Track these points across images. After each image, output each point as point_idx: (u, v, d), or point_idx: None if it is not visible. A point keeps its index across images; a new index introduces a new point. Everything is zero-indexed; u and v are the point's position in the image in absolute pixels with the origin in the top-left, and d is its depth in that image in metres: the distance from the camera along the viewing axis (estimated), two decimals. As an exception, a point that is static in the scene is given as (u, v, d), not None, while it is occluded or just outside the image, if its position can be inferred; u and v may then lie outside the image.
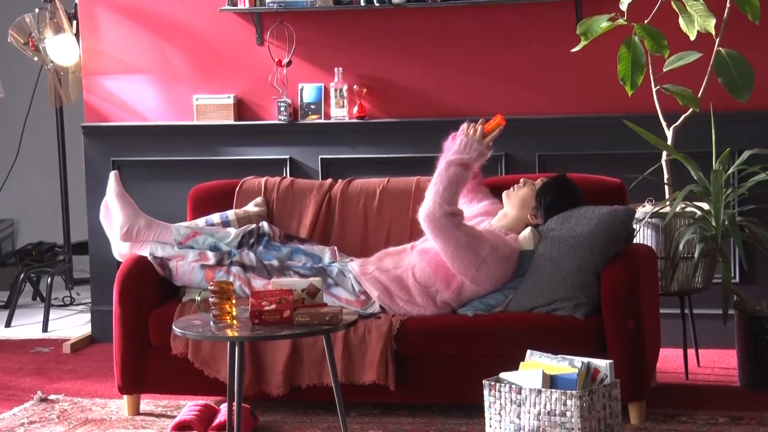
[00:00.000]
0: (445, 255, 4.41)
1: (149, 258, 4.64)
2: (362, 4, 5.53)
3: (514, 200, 4.62)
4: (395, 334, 4.36)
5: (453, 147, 4.50)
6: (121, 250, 4.75)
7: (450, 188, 4.39)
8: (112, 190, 4.73)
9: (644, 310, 4.31)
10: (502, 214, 4.65)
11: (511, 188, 4.66)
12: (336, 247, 4.76)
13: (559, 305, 4.35)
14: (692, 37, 4.80)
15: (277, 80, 5.70)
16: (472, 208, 4.73)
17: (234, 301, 3.97)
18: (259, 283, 4.52)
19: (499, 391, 3.80)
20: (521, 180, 4.67)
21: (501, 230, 4.56)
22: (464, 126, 4.55)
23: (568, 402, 3.68)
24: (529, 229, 4.54)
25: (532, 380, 3.76)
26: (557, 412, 3.70)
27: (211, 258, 4.62)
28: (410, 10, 5.58)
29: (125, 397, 4.63)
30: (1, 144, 7.70)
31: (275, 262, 4.62)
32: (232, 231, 4.74)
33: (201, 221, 4.85)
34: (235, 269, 4.58)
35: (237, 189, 5.04)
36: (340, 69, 5.63)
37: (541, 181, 4.64)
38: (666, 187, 5.00)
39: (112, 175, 4.76)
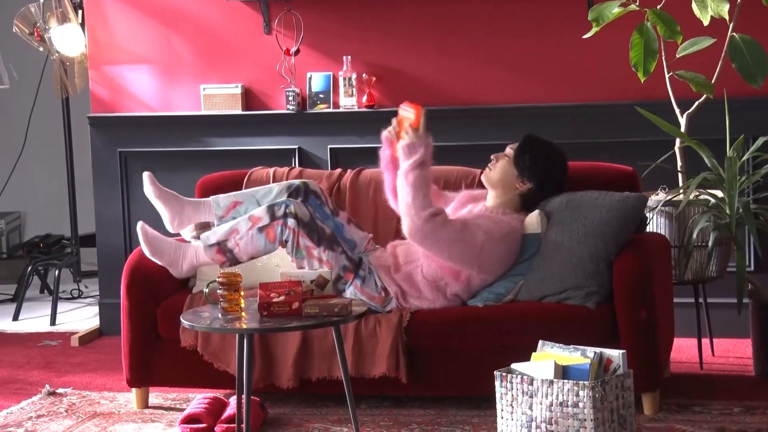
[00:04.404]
0: (444, 258, 4.35)
1: (204, 251, 4.36)
2: (371, -9, 5.51)
3: (496, 176, 4.54)
4: (405, 327, 4.32)
5: (401, 159, 4.37)
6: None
7: (418, 193, 4.30)
8: (151, 192, 4.47)
9: (657, 299, 4.27)
10: (492, 196, 4.57)
11: (486, 169, 4.58)
12: (371, 235, 4.67)
13: (570, 294, 4.31)
14: (705, 23, 4.76)
15: (285, 69, 5.66)
16: (454, 210, 4.63)
17: (242, 293, 3.94)
18: (306, 244, 4.35)
19: (511, 382, 3.76)
20: (491, 157, 4.58)
21: (497, 211, 4.48)
22: (387, 135, 4.46)
23: (581, 393, 3.65)
24: (537, 212, 4.49)
25: (544, 371, 3.73)
26: (569, 403, 3.67)
27: (264, 216, 4.35)
28: (419, -2, 5.55)
29: (134, 390, 4.61)
30: (7, 135, 7.69)
31: (328, 230, 4.41)
32: (274, 187, 4.50)
33: (210, 212, 4.80)
34: (290, 222, 4.33)
35: (245, 179, 5.00)
36: (349, 57, 5.59)
37: (510, 149, 4.57)
38: (679, 174, 4.96)
39: (147, 178, 4.48)
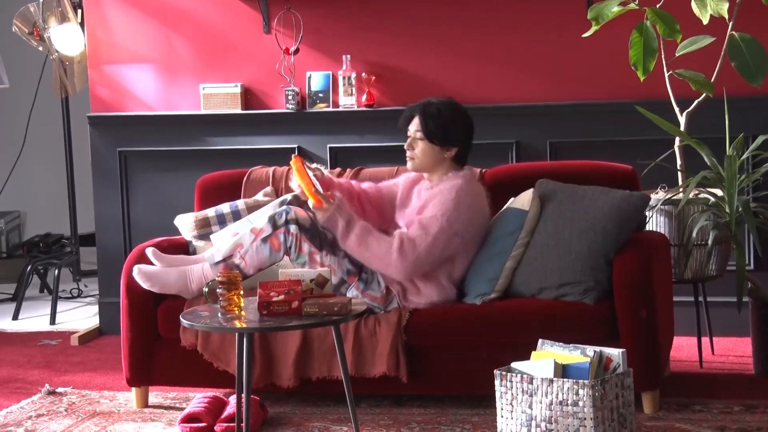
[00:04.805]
0: (441, 260, 4.38)
1: (211, 269, 4.36)
2: (370, -10, 5.50)
3: (422, 162, 4.49)
4: (404, 326, 4.32)
5: (336, 232, 4.34)
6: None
7: (371, 244, 4.30)
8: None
9: (657, 297, 4.27)
10: (428, 176, 4.54)
11: (408, 157, 4.50)
12: None
13: (568, 290, 4.31)
14: (705, 21, 4.75)
15: (284, 68, 5.66)
16: (402, 198, 4.61)
17: (242, 292, 3.93)
18: (309, 249, 4.35)
19: (511, 381, 3.76)
20: (405, 147, 4.50)
21: (439, 182, 4.46)
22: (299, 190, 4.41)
23: (581, 391, 3.64)
24: (531, 191, 4.49)
25: (543, 370, 3.73)
26: (569, 402, 3.66)
27: (266, 227, 4.36)
28: (418, -3, 5.55)
29: (133, 389, 4.61)
30: (6, 135, 7.69)
31: (329, 234, 4.39)
32: (268, 209, 4.48)
33: (210, 212, 4.80)
34: (293, 228, 4.33)
35: (245, 179, 5.01)
36: (348, 57, 5.58)
37: (417, 132, 4.47)
38: (679, 173, 4.96)
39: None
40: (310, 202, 4.33)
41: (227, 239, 4.42)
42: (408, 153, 4.51)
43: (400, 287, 4.41)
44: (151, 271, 4.42)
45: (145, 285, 4.42)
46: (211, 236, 4.59)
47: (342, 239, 4.33)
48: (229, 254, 4.35)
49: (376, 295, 4.39)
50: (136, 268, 4.43)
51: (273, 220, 4.34)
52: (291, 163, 4.36)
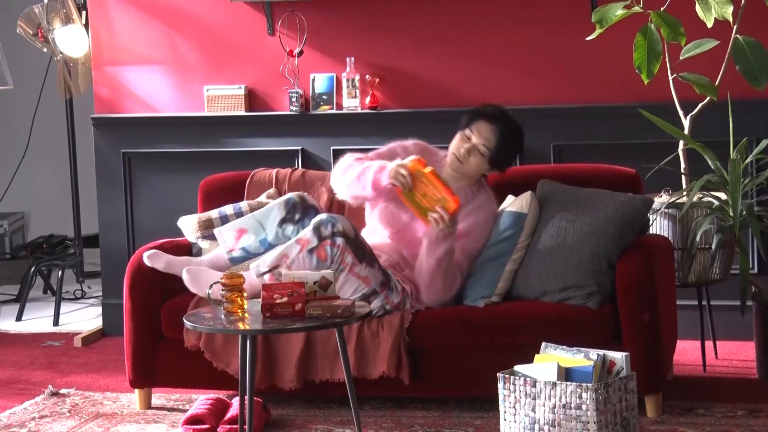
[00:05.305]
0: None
1: (257, 279, 4.24)
2: (374, -8, 5.51)
3: (469, 172, 4.49)
4: (407, 328, 4.32)
5: (444, 246, 4.29)
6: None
7: (452, 265, 4.35)
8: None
9: (661, 301, 4.27)
10: (452, 178, 4.49)
11: (458, 158, 4.44)
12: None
13: (571, 294, 4.31)
14: (709, 25, 4.75)
15: (288, 70, 5.66)
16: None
17: (245, 294, 3.93)
18: (351, 260, 4.28)
19: (514, 384, 3.76)
20: (463, 149, 4.43)
21: (467, 197, 4.48)
22: (394, 186, 4.27)
23: (584, 395, 3.64)
24: (529, 193, 4.50)
25: (547, 373, 3.73)
26: (572, 405, 3.66)
27: (312, 238, 4.23)
28: (423, -1, 5.55)
29: (136, 390, 4.61)
30: (10, 136, 7.69)
31: (368, 245, 4.33)
32: (273, 207, 4.42)
33: (214, 213, 4.80)
34: (339, 240, 4.24)
35: (248, 180, 5.01)
36: (352, 59, 5.59)
37: (484, 146, 4.42)
38: (683, 176, 4.96)
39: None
40: (446, 211, 4.22)
41: (272, 251, 4.33)
42: (460, 155, 4.46)
43: (413, 288, 4.41)
44: (200, 275, 4.36)
45: (192, 288, 4.37)
46: (215, 230, 4.52)
47: (447, 254, 4.31)
48: (274, 265, 4.26)
49: (396, 300, 4.38)
50: (185, 270, 4.36)
51: (318, 231, 4.24)
52: (415, 166, 4.23)
